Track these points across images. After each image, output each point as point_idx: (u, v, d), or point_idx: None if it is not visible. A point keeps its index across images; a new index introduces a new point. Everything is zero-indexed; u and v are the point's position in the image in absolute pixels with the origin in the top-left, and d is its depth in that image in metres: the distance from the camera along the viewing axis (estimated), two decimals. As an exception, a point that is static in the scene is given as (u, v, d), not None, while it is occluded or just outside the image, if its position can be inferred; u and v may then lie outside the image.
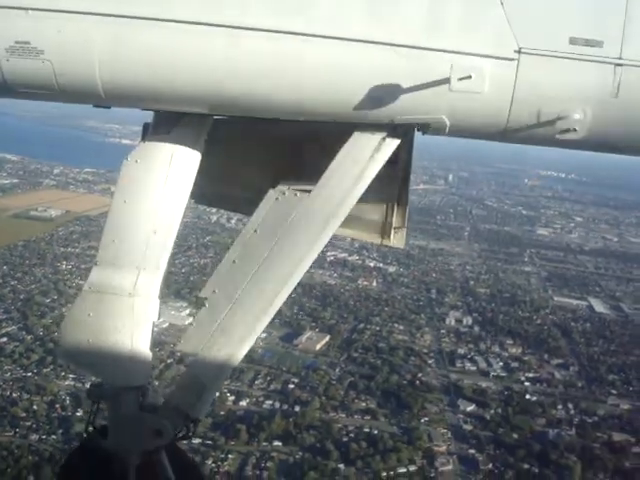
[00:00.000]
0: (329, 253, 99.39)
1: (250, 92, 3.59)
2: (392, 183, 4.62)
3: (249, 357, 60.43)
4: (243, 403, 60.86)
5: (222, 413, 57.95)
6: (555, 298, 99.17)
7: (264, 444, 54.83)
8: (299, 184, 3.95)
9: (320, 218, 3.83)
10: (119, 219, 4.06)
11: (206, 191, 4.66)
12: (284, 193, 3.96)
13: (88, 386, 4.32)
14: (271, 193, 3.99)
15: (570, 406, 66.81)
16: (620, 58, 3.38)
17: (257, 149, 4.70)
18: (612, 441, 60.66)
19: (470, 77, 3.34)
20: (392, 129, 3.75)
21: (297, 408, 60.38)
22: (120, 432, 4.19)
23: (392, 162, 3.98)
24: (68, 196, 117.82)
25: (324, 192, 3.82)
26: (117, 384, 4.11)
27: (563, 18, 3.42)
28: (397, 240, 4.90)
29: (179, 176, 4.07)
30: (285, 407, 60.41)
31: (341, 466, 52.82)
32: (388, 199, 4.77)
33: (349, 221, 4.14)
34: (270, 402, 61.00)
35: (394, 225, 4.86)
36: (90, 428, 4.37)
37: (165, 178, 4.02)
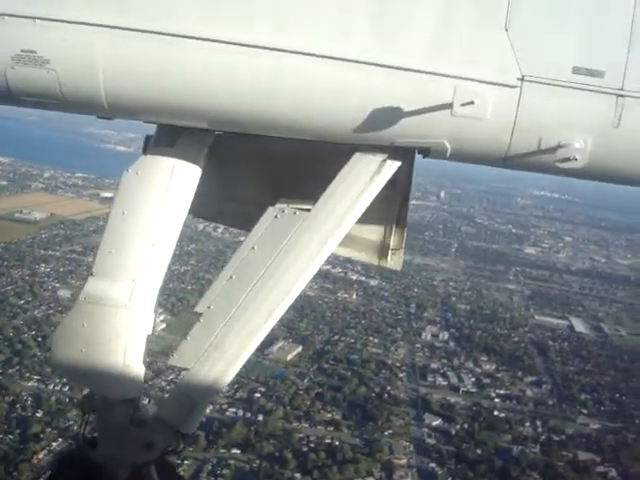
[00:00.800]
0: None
1: (251, 110, 3.62)
2: (391, 205, 4.62)
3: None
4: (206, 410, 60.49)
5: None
6: (536, 317, 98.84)
7: (222, 451, 54.51)
8: (298, 202, 3.96)
9: (318, 237, 3.84)
10: (117, 230, 4.05)
11: (205, 205, 4.62)
12: (283, 211, 3.95)
13: (79, 396, 4.35)
14: (270, 210, 3.98)
15: (538, 424, 66.46)
16: (622, 89, 3.41)
17: (257, 166, 4.73)
18: (577, 460, 60.31)
19: (473, 103, 3.37)
20: (393, 151, 3.77)
21: (260, 417, 60.04)
22: (110, 444, 4.17)
23: (392, 184, 3.99)
24: (55, 200, 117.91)
25: (323, 211, 3.84)
26: (108, 396, 4.10)
27: (567, 47, 3.44)
28: (394, 262, 4.92)
29: (179, 190, 4.08)
30: (248, 415, 60.05)
31: (297, 475, 52.50)
32: (387, 220, 4.78)
33: (347, 241, 4.16)
34: (233, 410, 60.63)
35: (392, 247, 4.88)
36: (80, 439, 4.38)
37: (165, 191, 4.03)
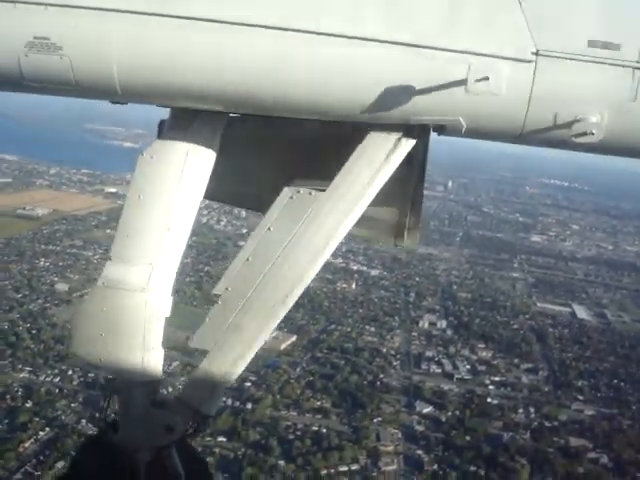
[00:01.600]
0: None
1: (265, 90, 3.58)
2: (406, 184, 4.58)
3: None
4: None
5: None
6: (538, 304, 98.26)
7: (208, 439, 54.68)
8: (314, 183, 3.95)
9: (334, 217, 3.82)
10: (133, 215, 4.07)
11: (219, 188, 4.55)
12: (299, 191, 3.95)
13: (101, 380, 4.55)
14: (286, 191, 3.98)
15: (531, 410, 66.10)
16: (639, 62, 3.34)
17: (272, 147, 4.71)
18: (568, 446, 59.87)
19: (487, 79, 3.32)
20: (407, 130, 3.73)
21: (249, 405, 60.27)
22: (131, 427, 4.20)
23: (407, 162, 3.94)
24: (59, 196, 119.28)
25: (338, 191, 3.81)
26: (128, 379, 4.11)
27: (581, 20, 3.37)
28: (410, 241, 4.90)
29: (194, 173, 4.08)
30: (237, 404, 60.33)
31: (281, 462, 52.66)
32: (402, 200, 4.73)
33: (362, 221, 4.11)
34: (223, 399, 60.81)
35: (407, 226, 4.85)
36: (102, 422, 4.40)
37: (180, 175, 4.03)
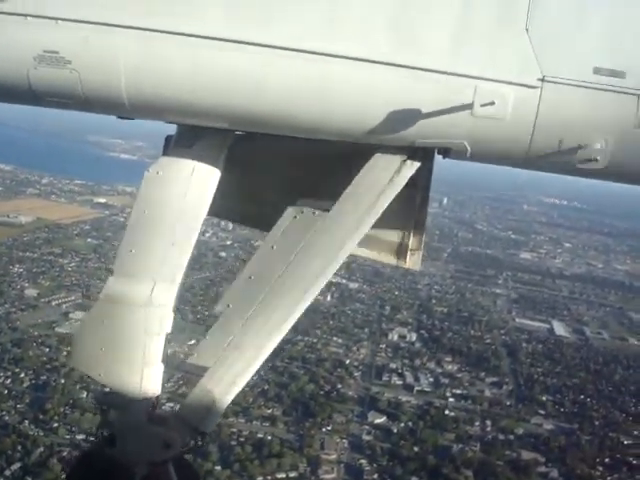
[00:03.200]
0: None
1: (272, 110, 3.66)
2: (410, 206, 4.61)
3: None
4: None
5: (117, 412, 57.88)
6: (517, 320, 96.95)
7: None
8: (317, 203, 4.02)
9: (337, 238, 3.86)
10: (138, 230, 4.12)
11: (223, 205, 4.62)
12: (302, 211, 4.03)
13: (95, 394, 4.52)
14: (289, 211, 4.06)
15: (488, 423, 64.96)
16: None
17: (277, 166, 4.75)
18: (519, 459, 58.76)
19: (493, 103, 3.39)
20: (413, 152, 3.80)
21: (197, 411, 59.84)
22: (128, 442, 4.20)
23: (411, 184, 4.00)
24: (47, 205, 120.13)
25: (342, 212, 3.87)
26: (127, 394, 4.11)
27: (587, 48, 3.43)
28: (412, 262, 4.88)
29: (199, 190, 4.13)
30: (185, 410, 59.88)
31: (217, 468, 52.14)
32: (405, 221, 4.75)
33: (365, 241, 4.20)
34: (171, 405, 60.44)
35: (410, 247, 4.85)
36: (99, 436, 4.43)
37: (185, 191, 4.09)
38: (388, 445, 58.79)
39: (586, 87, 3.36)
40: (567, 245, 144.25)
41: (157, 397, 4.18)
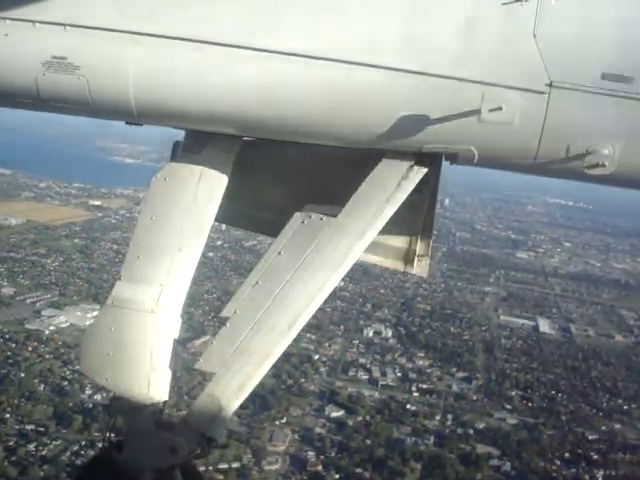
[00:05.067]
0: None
1: (280, 116, 3.72)
2: (418, 211, 4.63)
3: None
4: (98, 397, 61.01)
5: (70, 404, 58.36)
6: (502, 317, 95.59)
7: (96, 434, 54.68)
8: (325, 208, 4.02)
9: (345, 243, 3.88)
10: (145, 235, 4.17)
11: (231, 211, 4.65)
12: (310, 216, 4.02)
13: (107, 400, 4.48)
14: (297, 216, 4.05)
15: (449, 417, 63.93)
16: None
17: (284, 172, 4.81)
18: (472, 453, 57.67)
19: (501, 109, 3.41)
20: (420, 158, 3.82)
21: (152, 404, 60.03)
22: (136, 447, 4.24)
23: (419, 190, 4.04)
24: (40, 207, 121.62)
25: (349, 218, 3.89)
26: (135, 399, 4.16)
27: (595, 53, 3.44)
28: (420, 268, 4.90)
29: (206, 196, 4.17)
30: (139, 402, 60.11)
31: (159, 458, 52.14)
32: (413, 227, 4.77)
33: (373, 247, 4.23)
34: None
35: (418, 253, 4.87)
36: (106, 442, 4.45)
37: (193, 197, 4.13)
38: (339, 438, 58.21)
39: (594, 92, 3.35)
40: (567, 244, 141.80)
41: (164, 403, 4.19)
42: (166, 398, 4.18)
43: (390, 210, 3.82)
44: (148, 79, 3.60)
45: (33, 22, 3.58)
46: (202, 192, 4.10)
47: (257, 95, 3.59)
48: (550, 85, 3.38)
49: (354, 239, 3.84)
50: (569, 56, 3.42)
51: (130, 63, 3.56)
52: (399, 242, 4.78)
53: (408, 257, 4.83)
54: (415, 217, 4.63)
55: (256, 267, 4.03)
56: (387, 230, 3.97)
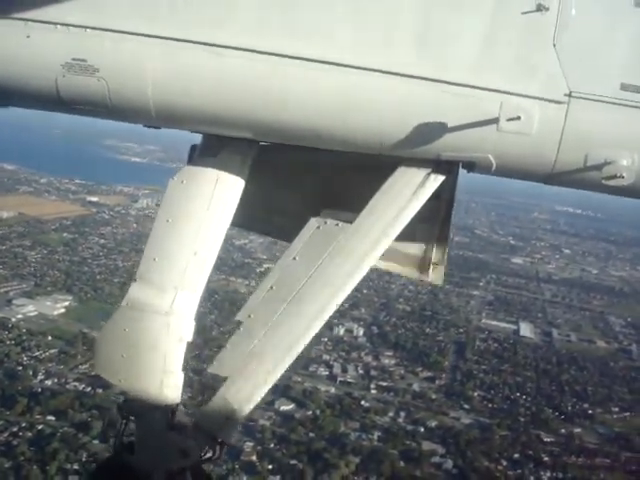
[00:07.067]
0: (265, 265, 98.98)
1: (297, 121, 3.70)
2: (434, 219, 4.59)
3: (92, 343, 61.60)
4: (48, 382, 61.66)
5: (19, 388, 58.97)
6: (483, 320, 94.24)
7: (37, 417, 55.39)
8: (341, 214, 4.00)
9: (360, 250, 3.85)
10: (161, 238, 4.14)
11: (246, 215, 4.60)
12: (325, 222, 4.00)
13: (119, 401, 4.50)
14: (312, 222, 4.04)
15: (402, 415, 63.05)
16: None
17: (301, 177, 4.77)
18: (416, 450, 56.86)
19: (519, 118, 3.39)
20: (437, 165, 3.79)
21: (100, 390, 60.27)
22: (147, 449, 4.24)
23: (435, 198, 4.01)
24: (36, 202, 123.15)
25: (365, 224, 3.86)
26: (147, 401, 4.13)
27: (614, 64, 3.43)
28: (435, 276, 4.82)
29: (223, 199, 4.16)
30: (88, 390, 60.44)
31: (95, 442, 52.44)
32: (429, 235, 4.72)
33: (388, 254, 4.22)
34: (76, 384, 61.34)
35: (433, 261, 4.80)
36: (117, 443, 4.44)
37: (209, 200, 4.11)
38: (282, 430, 57.81)
39: (613, 103, 3.34)
40: (566, 251, 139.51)
41: (177, 405, 4.15)
42: (178, 400, 4.10)
43: (406, 218, 3.76)
44: (167, 82, 3.60)
45: (54, 24, 3.59)
46: (218, 195, 4.07)
47: (274, 100, 3.58)
48: (569, 95, 3.35)
49: (369, 246, 3.78)
50: (588, 66, 3.38)
51: (149, 66, 3.57)
52: (414, 249, 4.69)
53: (423, 265, 4.73)
54: (431, 225, 4.54)
55: (271, 272, 3.99)
56: (403, 237, 3.92)
